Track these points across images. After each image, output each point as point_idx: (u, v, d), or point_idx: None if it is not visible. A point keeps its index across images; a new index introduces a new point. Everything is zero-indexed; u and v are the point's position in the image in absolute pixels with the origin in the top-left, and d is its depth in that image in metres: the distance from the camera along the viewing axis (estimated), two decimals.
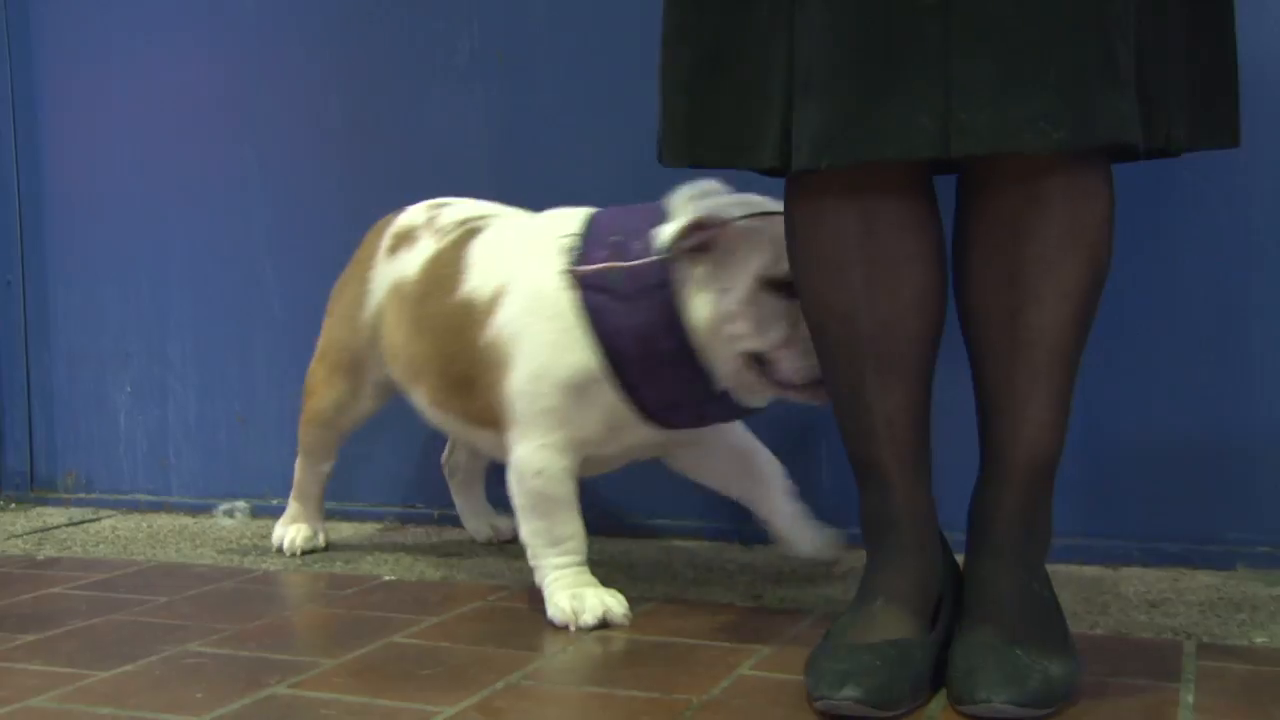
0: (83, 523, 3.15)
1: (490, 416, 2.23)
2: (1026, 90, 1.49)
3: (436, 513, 2.94)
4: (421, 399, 2.39)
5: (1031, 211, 1.63)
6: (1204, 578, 2.28)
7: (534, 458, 2.14)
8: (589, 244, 2.10)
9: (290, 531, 2.69)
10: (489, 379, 2.19)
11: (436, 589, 2.34)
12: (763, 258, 1.97)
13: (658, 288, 2.01)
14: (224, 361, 3.19)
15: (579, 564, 2.15)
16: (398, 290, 2.43)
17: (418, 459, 2.96)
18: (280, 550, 2.67)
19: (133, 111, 3.25)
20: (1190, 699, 1.65)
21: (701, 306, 2.00)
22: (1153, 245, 2.34)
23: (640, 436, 2.18)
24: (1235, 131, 1.77)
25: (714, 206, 2.01)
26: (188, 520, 3.14)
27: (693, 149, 1.72)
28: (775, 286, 1.96)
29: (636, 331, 2.02)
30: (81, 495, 3.38)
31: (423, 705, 1.66)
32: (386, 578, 2.45)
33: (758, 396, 2.09)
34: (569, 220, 2.18)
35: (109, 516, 3.23)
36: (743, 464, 2.37)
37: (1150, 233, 2.33)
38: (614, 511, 2.67)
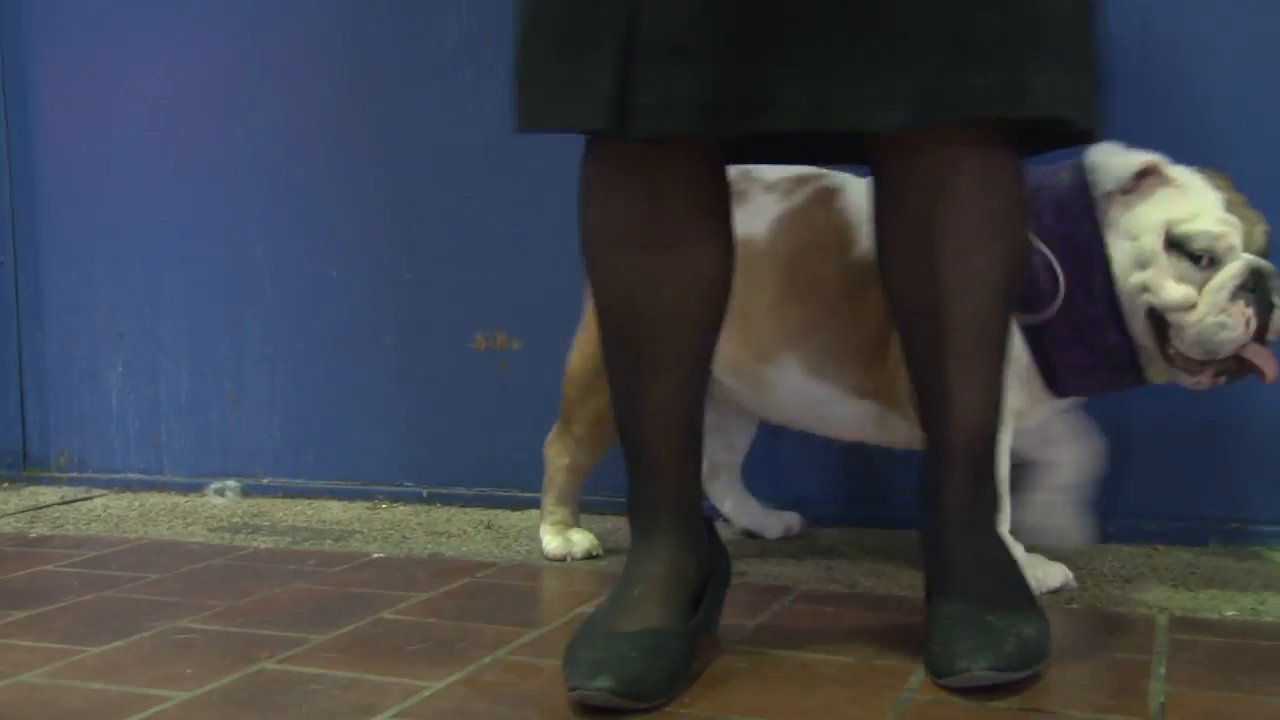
0: (75, 501, 3.16)
1: (888, 392, 2.16)
2: (879, 66, 1.48)
3: (425, 491, 2.96)
4: (791, 368, 2.25)
5: (943, 205, 1.62)
6: (1177, 553, 2.30)
7: None
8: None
9: (576, 540, 2.44)
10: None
11: (424, 566, 2.35)
12: (1172, 211, 1.93)
13: (1085, 236, 1.97)
14: (215, 341, 3.19)
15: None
16: (740, 250, 2.24)
17: (406, 438, 2.97)
18: (561, 558, 2.41)
19: (125, 92, 3.25)
20: (1162, 670, 1.67)
21: (1117, 251, 1.95)
22: None
23: (1045, 409, 2.13)
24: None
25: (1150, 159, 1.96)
26: (179, 499, 3.14)
27: (534, 113, 1.66)
28: (1180, 246, 1.91)
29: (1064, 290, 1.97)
30: (74, 474, 3.38)
31: (410, 680, 1.67)
32: (375, 555, 2.46)
33: (1158, 370, 2.01)
34: None
35: (101, 495, 3.24)
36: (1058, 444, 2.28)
37: None
38: (602, 490, 2.69)
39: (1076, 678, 1.65)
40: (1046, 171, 2.02)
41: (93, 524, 2.86)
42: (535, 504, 2.76)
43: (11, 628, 1.98)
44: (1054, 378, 2.04)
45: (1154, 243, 1.91)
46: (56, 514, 3.00)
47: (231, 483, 3.14)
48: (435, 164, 2.91)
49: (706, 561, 1.77)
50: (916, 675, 1.65)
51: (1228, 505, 2.31)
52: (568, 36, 1.58)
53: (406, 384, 2.98)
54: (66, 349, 3.38)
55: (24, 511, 3.04)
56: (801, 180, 2.26)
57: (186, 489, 3.20)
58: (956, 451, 1.70)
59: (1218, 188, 1.95)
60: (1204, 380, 1.95)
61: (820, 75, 1.49)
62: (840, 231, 2.18)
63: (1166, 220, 1.91)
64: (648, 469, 1.74)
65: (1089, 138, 1.70)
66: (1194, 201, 1.92)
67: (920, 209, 1.64)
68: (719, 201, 1.73)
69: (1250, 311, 1.87)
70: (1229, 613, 1.96)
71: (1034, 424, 2.16)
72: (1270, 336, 1.90)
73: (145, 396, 3.28)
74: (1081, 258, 1.95)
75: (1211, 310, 1.88)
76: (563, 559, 2.39)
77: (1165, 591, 2.08)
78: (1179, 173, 1.96)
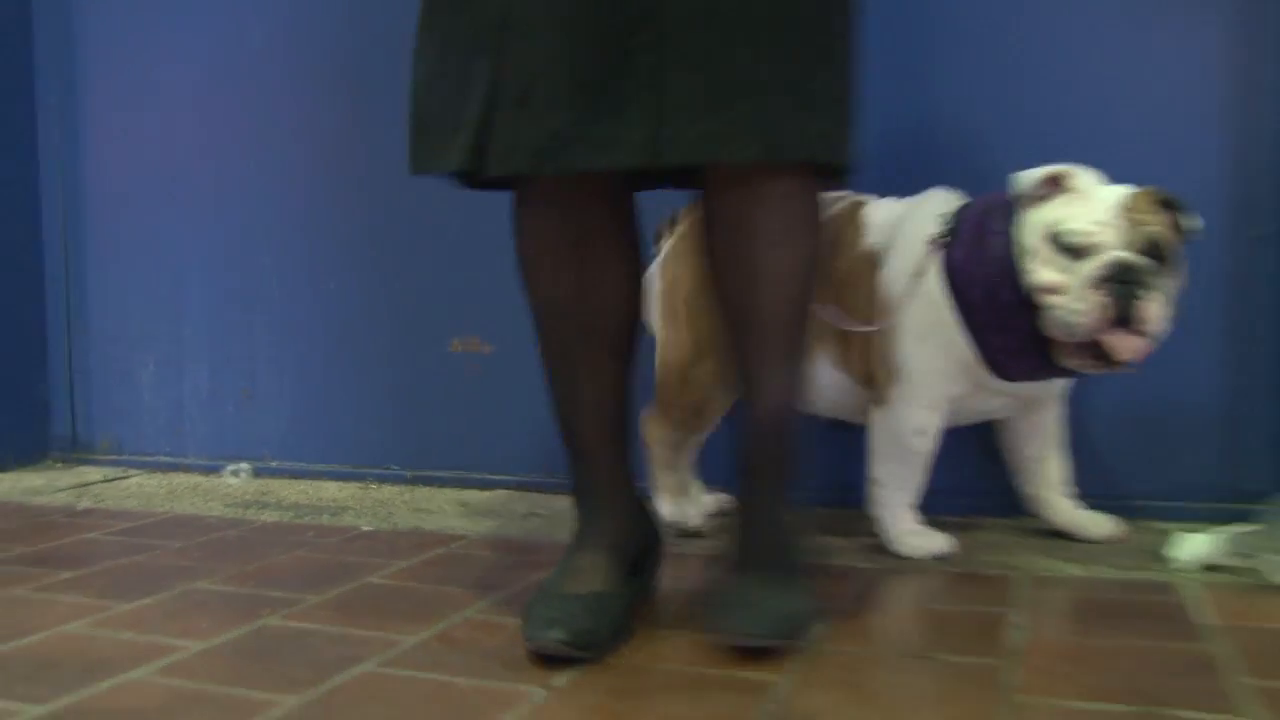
0: (114, 480, 3.15)
1: (868, 372, 2.16)
2: (725, 111, 1.49)
3: (409, 474, 2.95)
4: (823, 362, 2.20)
5: (753, 210, 1.62)
6: (1037, 524, 2.30)
7: (917, 417, 2.10)
8: (961, 221, 2.05)
9: (690, 512, 2.36)
10: (877, 337, 2.12)
11: (407, 538, 2.35)
12: (1059, 213, 1.92)
13: (1000, 236, 1.97)
14: (231, 343, 3.18)
15: (915, 505, 2.15)
16: None
17: (394, 428, 2.97)
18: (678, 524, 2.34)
19: (157, 130, 3.24)
20: (1017, 619, 1.71)
21: (1020, 247, 1.95)
22: None
23: (995, 394, 2.12)
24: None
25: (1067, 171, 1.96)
26: (200, 478, 3.13)
27: (418, 159, 1.67)
28: (1058, 241, 1.90)
29: (985, 280, 1.97)
30: (114, 456, 3.37)
31: (391, 634, 1.68)
32: (365, 528, 2.45)
33: (1064, 357, 1.95)
34: (947, 200, 2.15)
35: (135, 475, 3.22)
36: (1041, 455, 2.28)
37: None
38: (551, 467, 2.69)
39: (951, 626, 1.67)
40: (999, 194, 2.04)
41: (128, 499, 2.85)
42: (501, 485, 2.78)
43: (59, 585, 1.98)
44: (993, 362, 2.03)
45: (1036, 237, 1.92)
46: (99, 490, 2.98)
47: (244, 465, 3.12)
48: (422, 187, 2.88)
49: (642, 534, 1.78)
50: (820, 628, 1.66)
51: (1084, 485, 2.33)
52: (452, 96, 1.60)
53: (394, 381, 2.97)
54: (107, 351, 3.37)
55: (73, 488, 3.02)
56: (841, 196, 2.26)
57: (206, 470, 3.19)
58: (766, 425, 1.69)
59: (1121, 196, 1.93)
60: (1086, 365, 1.93)
61: (667, 117, 1.49)
62: (856, 230, 2.19)
63: (1051, 220, 1.91)
64: (586, 456, 1.75)
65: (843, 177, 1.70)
66: (1080, 205, 1.91)
67: (735, 213, 1.64)
68: (629, 226, 1.74)
69: (1108, 300, 1.84)
70: (1074, 571, 1.99)
71: (983, 407, 2.17)
72: (1146, 327, 1.86)
73: (172, 391, 3.27)
74: (1001, 254, 1.96)
75: (1073, 297, 1.87)
76: (680, 524, 2.32)
77: (1030, 556, 2.09)
78: (1085, 182, 1.95)
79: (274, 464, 3.13)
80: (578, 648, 1.54)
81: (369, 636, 1.67)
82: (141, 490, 2.98)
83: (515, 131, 1.53)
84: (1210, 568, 1.97)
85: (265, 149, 3.11)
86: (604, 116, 1.50)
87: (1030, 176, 1.95)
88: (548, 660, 1.55)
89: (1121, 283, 1.84)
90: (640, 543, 1.77)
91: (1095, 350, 1.90)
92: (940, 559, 2.09)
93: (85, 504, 2.80)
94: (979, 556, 2.10)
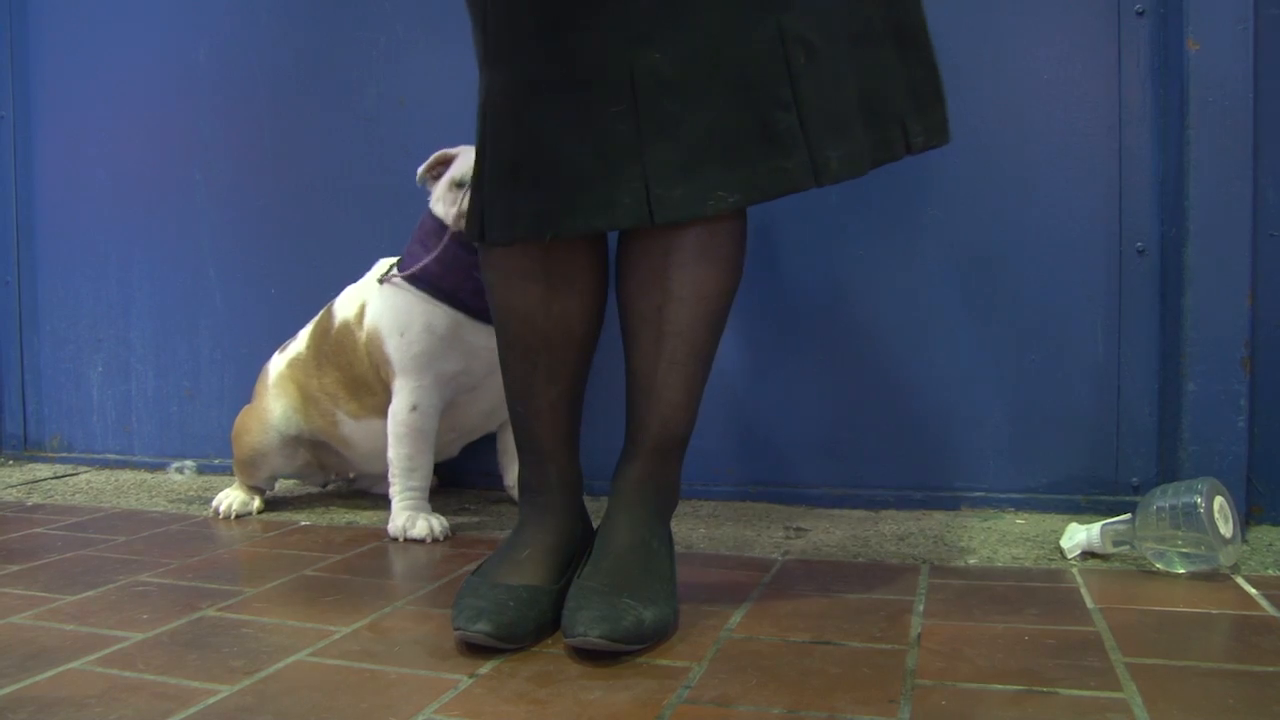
0: (64, 476, 3.11)
1: (385, 400, 2.32)
2: (703, 168, 1.49)
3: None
4: (344, 420, 2.45)
5: (675, 230, 1.60)
6: (938, 517, 2.33)
7: (412, 395, 2.26)
8: (406, 256, 2.35)
9: (229, 497, 2.56)
10: (376, 358, 2.30)
11: (342, 532, 2.33)
12: (452, 170, 2.29)
13: (424, 216, 2.35)
14: (176, 346, 3.16)
15: (421, 490, 2.29)
16: (292, 364, 2.53)
17: None
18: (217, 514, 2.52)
19: (107, 144, 3.21)
20: (921, 607, 1.71)
21: (434, 204, 2.33)
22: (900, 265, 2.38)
23: (487, 351, 2.26)
24: (947, 130, 1.72)
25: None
26: (146, 475, 3.10)
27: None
28: (456, 185, 2.27)
29: (424, 249, 2.30)
30: (63, 454, 3.34)
31: (323, 625, 1.66)
32: (303, 523, 2.44)
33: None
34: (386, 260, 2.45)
35: (85, 472, 3.19)
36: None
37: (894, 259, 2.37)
38: (483, 467, 2.68)
39: (858, 615, 1.67)
40: None
41: (77, 495, 2.82)
42: (442, 478, 2.75)
43: (6, 579, 1.95)
44: (466, 307, 2.27)
45: (443, 187, 2.32)
46: (49, 487, 2.94)
47: (189, 463, 3.11)
48: (355, 203, 2.89)
49: (581, 535, 1.75)
50: (736, 617, 1.66)
51: (974, 480, 2.36)
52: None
53: None
54: (57, 352, 3.34)
55: (24, 484, 2.99)
56: (327, 306, 2.51)
57: (152, 467, 3.17)
58: (650, 443, 1.67)
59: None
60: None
61: (651, 183, 1.49)
62: (328, 318, 2.47)
63: (450, 175, 2.31)
64: (540, 456, 1.72)
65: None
66: (465, 160, 2.29)
67: (656, 231, 1.61)
68: (596, 243, 1.70)
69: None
70: (971, 561, 2.00)
71: (482, 371, 2.35)
72: None
73: (119, 392, 3.24)
74: (427, 225, 2.35)
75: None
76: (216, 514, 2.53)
77: (928, 546, 2.10)
78: (464, 148, 2.32)
79: (216, 461, 3.10)
80: (501, 639, 1.52)
81: (303, 627, 1.65)
82: (90, 487, 2.94)
83: (520, 200, 1.58)
84: (1090, 555, 1.99)
85: (208, 160, 3.09)
86: (598, 184, 1.51)
87: (424, 165, 2.34)
88: (474, 649, 1.53)
89: None
90: (579, 542, 1.74)
91: None
92: (432, 541, 2.23)
93: (35, 500, 2.76)
94: (884, 547, 2.11)
